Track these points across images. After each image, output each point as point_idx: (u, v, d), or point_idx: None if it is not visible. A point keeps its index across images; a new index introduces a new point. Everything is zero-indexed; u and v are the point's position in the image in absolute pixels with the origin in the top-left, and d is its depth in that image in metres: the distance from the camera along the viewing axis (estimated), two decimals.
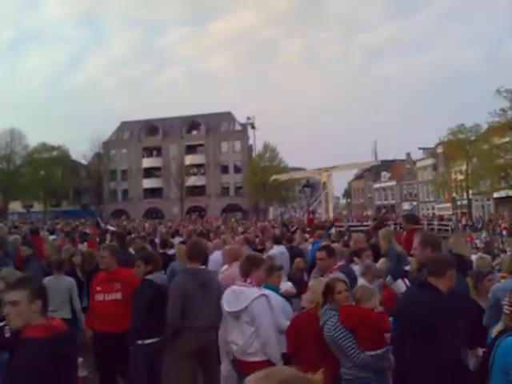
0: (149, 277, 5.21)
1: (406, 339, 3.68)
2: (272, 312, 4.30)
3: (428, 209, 59.96)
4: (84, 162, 65.71)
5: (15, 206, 56.87)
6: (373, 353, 3.98)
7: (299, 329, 4.33)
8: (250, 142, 65.08)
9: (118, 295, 5.48)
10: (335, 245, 7.18)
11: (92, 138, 63.48)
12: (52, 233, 15.11)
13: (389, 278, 6.37)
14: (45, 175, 55.34)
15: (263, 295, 4.25)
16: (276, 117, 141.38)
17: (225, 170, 67.04)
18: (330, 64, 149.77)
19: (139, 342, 5.04)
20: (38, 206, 58.78)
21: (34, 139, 60.87)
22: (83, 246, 10.80)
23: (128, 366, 5.12)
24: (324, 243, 7.45)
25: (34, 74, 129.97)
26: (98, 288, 5.52)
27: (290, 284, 6.60)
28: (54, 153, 59.88)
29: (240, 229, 19.69)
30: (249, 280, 4.34)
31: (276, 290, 5.28)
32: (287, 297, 5.80)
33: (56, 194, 61.13)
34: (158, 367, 5.18)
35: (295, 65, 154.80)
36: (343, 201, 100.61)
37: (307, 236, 12.96)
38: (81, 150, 70.21)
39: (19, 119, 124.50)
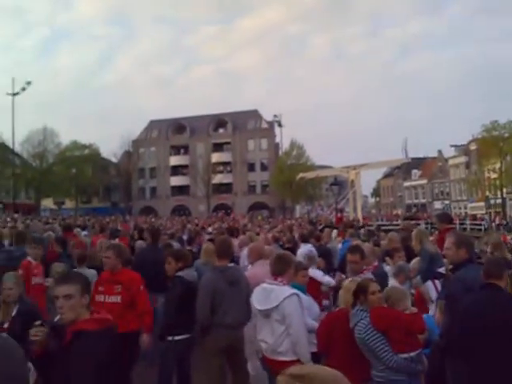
0: (179, 273, 5.24)
1: (473, 343, 3.47)
2: (303, 311, 4.26)
3: (460, 208, 58.65)
4: (114, 159, 66.73)
5: (47, 203, 58.02)
6: (406, 355, 3.86)
7: (331, 328, 4.25)
8: (277, 139, 65.07)
9: (118, 298, 5.20)
10: (366, 244, 7.00)
11: (122, 136, 64.51)
12: (84, 229, 15.28)
13: (418, 278, 6.18)
14: (76, 173, 56.49)
15: (295, 294, 4.21)
16: (303, 114, 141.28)
17: (251, 167, 67.07)
18: (358, 60, 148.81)
19: (169, 338, 5.08)
20: (69, 203, 59.90)
21: (65, 138, 62.05)
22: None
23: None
24: (355, 243, 7.29)
25: (66, 72, 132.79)
26: (101, 288, 5.20)
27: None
28: (85, 151, 60.88)
29: (267, 227, 19.58)
30: (280, 279, 4.30)
31: (302, 289, 5.20)
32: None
33: (87, 192, 62.28)
34: (188, 363, 5.24)
35: (323, 61, 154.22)
36: (371, 200, 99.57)
37: (335, 234, 12.82)
38: (111, 148, 71.25)
39: (52, 118, 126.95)
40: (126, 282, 5.24)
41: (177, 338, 5.05)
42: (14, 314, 4.14)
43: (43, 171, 54.40)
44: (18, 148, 51.58)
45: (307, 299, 5.06)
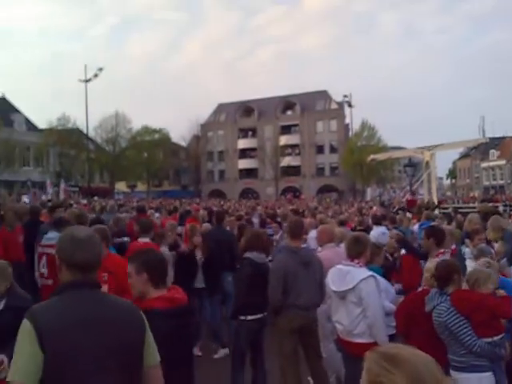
0: (247, 255, 5.22)
1: None
2: (380, 294, 4.19)
3: None
4: (183, 143, 68.15)
5: (120, 187, 60.17)
6: (489, 339, 3.69)
7: (410, 310, 4.13)
8: (347, 120, 63.72)
9: (105, 288, 4.49)
10: (445, 226, 6.68)
11: (190, 120, 65.65)
12: (157, 211, 15.84)
13: (504, 261, 5.84)
14: (147, 157, 58.06)
15: (372, 276, 4.15)
16: (374, 94, 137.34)
17: (320, 149, 66.35)
18: (430, 36, 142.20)
19: (241, 317, 5.11)
20: (141, 186, 62.01)
21: (137, 122, 63.98)
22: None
23: None
24: (433, 224, 6.98)
25: (135, 58, 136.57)
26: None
27: None
28: (156, 135, 62.39)
29: (337, 208, 19.33)
30: (356, 260, 4.24)
31: (378, 271, 5.08)
32: None
33: (157, 175, 64.06)
34: (260, 344, 5.25)
35: (392, 39, 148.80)
36: (447, 181, 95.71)
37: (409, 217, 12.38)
38: (180, 132, 72.80)
39: (123, 103, 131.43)
40: (112, 269, 4.68)
41: (249, 317, 5.06)
42: (1, 308, 3.86)
43: (116, 156, 56.23)
44: (91, 133, 53.41)
45: (384, 281, 4.93)
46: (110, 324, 2.12)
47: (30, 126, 53.71)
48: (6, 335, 2.07)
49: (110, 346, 2.08)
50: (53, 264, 5.77)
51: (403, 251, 6.64)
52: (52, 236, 5.81)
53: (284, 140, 66.39)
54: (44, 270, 5.92)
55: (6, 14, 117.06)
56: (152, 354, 2.25)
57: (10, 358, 2.08)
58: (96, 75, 45.06)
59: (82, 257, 2.16)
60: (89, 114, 46.71)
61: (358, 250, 4.28)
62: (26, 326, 1.99)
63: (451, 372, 3.76)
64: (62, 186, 29.34)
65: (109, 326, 2.11)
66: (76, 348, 2.01)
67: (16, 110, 53.20)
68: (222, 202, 30.75)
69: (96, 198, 32.88)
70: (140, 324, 2.23)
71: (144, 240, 6.21)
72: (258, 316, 5.09)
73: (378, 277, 4.51)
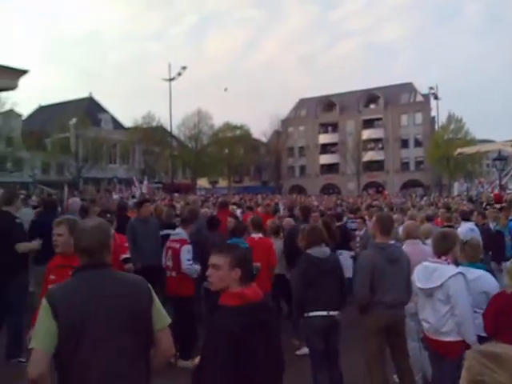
0: (308, 251, 5.11)
1: None
2: (468, 291, 4.07)
3: None
4: (264, 139, 68.69)
5: (202, 183, 61.77)
6: None
7: (501, 309, 3.96)
8: (433, 113, 61.20)
9: None
10: None
11: (271, 116, 65.90)
12: (239, 206, 15.95)
13: None
14: (228, 153, 59.04)
15: (460, 273, 4.04)
16: (460, 85, 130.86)
17: (404, 144, 64.33)
18: None
19: (305, 314, 5.02)
20: (222, 182, 63.18)
21: (218, 119, 65.18)
22: None
23: None
24: None
25: (215, 56, 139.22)
26: (52, 277, 4.05)
27: None
28: (237, 132, 63.26)
29: (423, 204, 18.61)
30: (444, 257, 4.15)
31: (483, 267, 4.85)
32: None
33: (238, 171, 65.02)
34: (334, 342, 5.06)
35: (478, 27, 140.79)
36: None
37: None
38: (260, 128, 73.32)
39: (205, 100, 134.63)
40: None
41: (311, 314, 4.95)
42: None
43: (198, 152, 57.43)
44: (175, 131, 54.84)
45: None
46: (119, 296, 2.54)
47: (117, 124, 56.54)
48: None
49: (121, 314, 2.49)
50: (176, 257, 6.38)
51: None
52: (179, 232, 6.62)
53: (367, 134, 64.95)
54: (169, 263, 6.53)
55: (94, 17, 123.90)
56: (160, 319, 2.64)
57: None
58: (179, 74, 45.97)
59: (85, 243, 2.60)
60: (172, 112, 47.98)
61: (445, 247, 4.18)
62: (43, 303, 2.46)
63: None
64: (145, 182, 30.52)
65: (118, 298, 2.53)
66: (87, 318, 2.41)
67: (103, 110, 56.21)
68: (302, 199, 30.53)
69: (176, 194, 33.83)
70: (147, 294, 2.63)
71: (258, 236, 6.91)
72: (321, 313, 4.91)
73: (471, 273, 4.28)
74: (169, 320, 2.71)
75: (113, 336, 2.45)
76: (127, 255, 6.57)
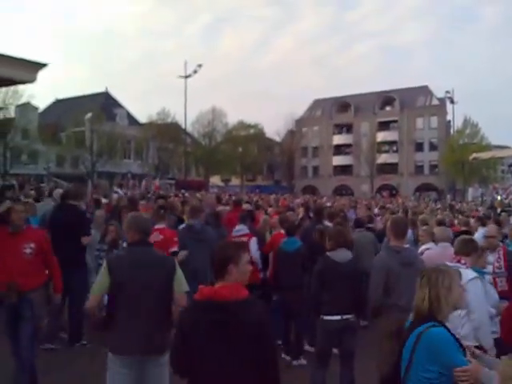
0: (328, 253, 5.09)
1: None
2: (485, 296, 4.10)
3: None
4: (278, 139, 68.56)
5: (215, 180, 61.76)
6: None
7: None
8: (448, 117, 60.62)
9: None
10: None
11: (285, 115, 65.67)
12: (250, 204, 15.98)
13: None
14: (242, 151, 58.89)
15: (478, 278, 4.04)
16: (476, 89, 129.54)
17: (419, 147, 63.90)
18: None
19: (320, 317, 4.99)
20: (235, 181, 63.20)
21: (232, 118, 65.11)
22: None
23: None
24: None
25: (230, 54, 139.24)
26: None
27: None
28: (251, 130, 63.29)
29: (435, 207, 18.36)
30: (463, 261, 4.14)
31: (481, 272, 4.76)
32: None
33: (251, 170, 64.91)
34: (347, 347, 5.01)
35: (496, 31, 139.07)
36: None
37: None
38: (274, 128, 73.13)
39: (219, 98, 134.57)
40: (35, 238, 4.96)
41: (325, 317, 4.91)
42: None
43: (212, 150, 57.47)
44: (189, 128, 54.87)
45: (487, 285, 4.72)
46: (152, 265, 3.61)
47: (132, 120, 56.77)
48: None
49: (152, 278, 3.55)
50: None
51: None
52: (240, 228, 7.45)
53: (381, 136, 64.57)
54: None
55: (108, 16, 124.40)
56: (179, 285, 3.67)
57: None
58: (195, 71, 46.17)
59: (138, 227, 3.76)
60: (187, 109, 48.06)
61: (466, 251, 4.18)
62: (104, 264, 3.66)
63: None
64: (156, 181, 30.56)
65: (151, 267, 3.60)
66: (129, 278, 3.52)
67: (119, 105, 56.47)
68: (315, 198, 30.36)
69: (183, 190, 33.83)
70: (171, 266, 3.73)
71: (282, 231, 7.35)
72: (335, 318, 4.87)
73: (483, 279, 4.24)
74: (186, 287, 3.71)
75: (145, 293, 3.49)
76: (175, 249, 6.67)
